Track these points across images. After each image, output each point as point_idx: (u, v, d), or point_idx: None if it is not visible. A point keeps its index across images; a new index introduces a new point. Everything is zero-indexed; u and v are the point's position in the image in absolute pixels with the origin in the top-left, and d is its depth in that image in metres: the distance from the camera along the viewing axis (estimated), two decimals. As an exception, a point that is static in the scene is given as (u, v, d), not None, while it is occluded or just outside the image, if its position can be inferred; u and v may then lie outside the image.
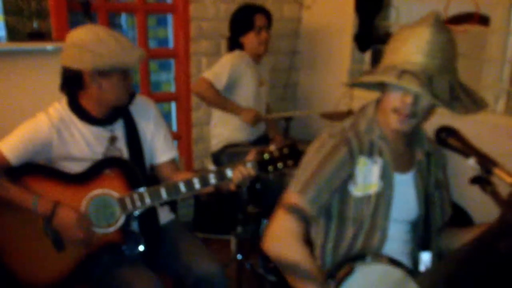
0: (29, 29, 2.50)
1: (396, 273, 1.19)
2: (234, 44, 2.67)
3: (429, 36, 1.14)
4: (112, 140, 1.67)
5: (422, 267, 1.24)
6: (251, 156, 1.61)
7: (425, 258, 1.26)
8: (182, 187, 1.59)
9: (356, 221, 1.27)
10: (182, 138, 3.22)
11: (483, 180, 1.08)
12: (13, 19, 2.46)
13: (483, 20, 2.40)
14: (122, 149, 1.69)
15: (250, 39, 2.62)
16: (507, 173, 1.06)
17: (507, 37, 2.41)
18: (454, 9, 2.42)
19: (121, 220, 1.60)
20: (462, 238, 1.33)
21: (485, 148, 1.16)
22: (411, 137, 1.32)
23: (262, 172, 1.59)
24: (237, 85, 2.60)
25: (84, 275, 1.61)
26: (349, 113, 2.58)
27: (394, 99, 1.20)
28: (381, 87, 1.27)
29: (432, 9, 2.83)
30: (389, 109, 1.22)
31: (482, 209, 1.86)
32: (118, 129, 1.69)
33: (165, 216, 1.82)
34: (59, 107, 1.64)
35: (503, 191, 1.06)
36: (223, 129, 2.68)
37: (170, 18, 3.16)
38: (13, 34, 2.45)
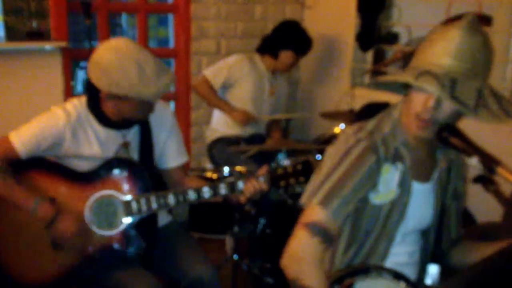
0: (29, 28, 2.50)
1: None
2: (271, 48, 2.72)
3: (458, 38, 1.07)
4: (125, 145, 1.65)
5: (429, 280, 1.20)
6: (264, 170, 1.58)
7: (433, 271, 1.14)
8: (191, 195, 1.57)
9: (369, 229, 1.22)
10: (181, 138, 3.21)
11: (486, 179, 1.06)
12: (12, 19, 2.46)
13: (486, 20, 2.38)
14: (133, 154, 1.67)
15: (287, 56, 2.69)
16: (510, 172, 1.03)
17: (509, 37, 2.40)
18: (457, 9, 2.41)
19: (125, 223, 1.57)
20: (478, 252, 1.26)
21: (488, 148, 1.14)
22: (435, 144, 1.23)
23: (274, 187, 1.58)
24: (234, 86, 2.66)
25: (81, 276, 1.58)
26: (351, 112, 2.56)
27: (416, 103, 1.13)
28: (406, 88, 1.20)
29: (435, 9, 2.82)
30: (412, 114, 1.15)
31: (485, 208, 1.85)
32: (133, 135, 1.67)
33: (163, 217, 1.80)
34: (78, 104, 1.60)
35: (506, 190, 1.04)
36: (219, 124, 2.74)
37: (170, 18, 3.15)
38: (12, 33, 2.46)
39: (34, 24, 2.51)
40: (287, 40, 2.69)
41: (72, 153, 1.58)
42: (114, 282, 1.54)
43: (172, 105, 3.27)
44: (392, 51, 3.00)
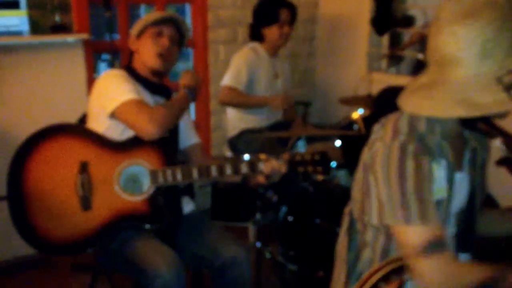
0: (52, 22, 2.55)
1: None
2: (256, 33, 2.69)
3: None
4: None
5: None
6: (286, 155, 1.64)
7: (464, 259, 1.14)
8: (214, 171, 1.62)
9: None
10: (201, 126, 3.25)
11: (510, 162, 1.05)
12: (36, 13, 2.51)
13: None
14: None
15: (272, 32, 2.63)
16: None
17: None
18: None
19: (150, 190, 1.62)
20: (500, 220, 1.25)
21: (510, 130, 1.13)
22: (465, 129, 1.17)
23: (291, 171, 1.61)
24: (254, 80, 2.63)
25: (102, 242, 1.63)
26: (369, 97, 2.58)
27: None
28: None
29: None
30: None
31: (509, 193, 1.85)
32: (160, 102, 1.75)
33: (186, 206, 1.85)
34: (118, 71, 1.77)
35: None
36: (239, 115, 2.71)
37: (187, 8, 3.18)
38: (36, 27, 2.51)
39: (57, 17, 2.56)
40: (260, 18, 2.65)
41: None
42: (135, 254, 1.57)
43: (191, 93, 3.31)
44: (408, 34, 2.98)
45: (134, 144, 1.64)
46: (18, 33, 2.50)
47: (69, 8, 2.57)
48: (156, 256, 1.54)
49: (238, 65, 2.59)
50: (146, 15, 1.79)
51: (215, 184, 2.84)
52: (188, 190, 1.90)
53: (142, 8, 3.48)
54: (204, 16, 3.08)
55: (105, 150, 1.65)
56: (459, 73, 0.98)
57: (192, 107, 3.31)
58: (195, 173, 1.62)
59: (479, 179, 1.24)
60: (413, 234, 1.04)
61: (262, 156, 1.65)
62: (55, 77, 2.63)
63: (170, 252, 1.57)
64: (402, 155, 1.06)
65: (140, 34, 1.76)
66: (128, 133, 1.66)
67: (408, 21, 2.89)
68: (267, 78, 2.69)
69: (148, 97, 1.73)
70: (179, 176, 1.62)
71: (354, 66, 3.20)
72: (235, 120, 2.74)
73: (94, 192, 1.61)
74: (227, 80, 2.59)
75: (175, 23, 1.77)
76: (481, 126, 1.09)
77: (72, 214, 1.61)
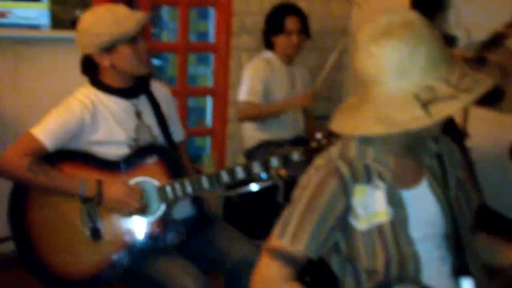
0: (73, 17, 2.51)
1: None
2: (267, 41, 2.62)
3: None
4: (138, 115, 1.65)
5: None
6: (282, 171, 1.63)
7: (467, 285, 1.11)
8: (224, 176, 1.57)
9: (370, 257, 1.11)
10: (216, 133, 3.16)
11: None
12: (57, 8, 2.49)
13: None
14: (151, 126, 1.66)
15: (280, 41, 2.55)
16: None
17: None
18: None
19: (161, 209, 1.56)
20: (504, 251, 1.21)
21: None
22: (416, 143, 1.15)
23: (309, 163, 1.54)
24: (270, 91, 2.54)
25: (122, 269, 1.56)
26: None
27: None
28: None
29: (498, 9, 2.64)
30: None
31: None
32: (142, 104, 1.67)
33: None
34: (84, 90, 1.64)
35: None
36: (258, 125, 2.60)
37: (211, 12, 3.11)
38: (56, 21, 2.48)
39: (78, 13, 2.51)
40: (268, 26, 2.57)
41: (96, 138, 1.58)
42: (157, 273, 1.52)
43: (209, 100, 3.23)
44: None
45: (134, 162, 1.58)
46: (37, 26, 2.49)
47: (90, 4, 2.52)
48: (179, 271, 1.49)
49: (250, 77, 2.51)
50: (106, 21, 1.53)
51: (229, 197, 2.73)
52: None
53: (165, 9, 3.45)
54: (229, 21, 3.00)
55: (106, 173, 1.57)
56: (379, 92, 1.01)
57: (209, 113, 3.22)
58: (205, 182, 1.57)
59: (461, 194, 1.20)
60: (277, 241, 1.12)
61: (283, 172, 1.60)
62: (72, 73, 2.52)
63: (189, 264, 1.53)
64: (310, 177, 1.13)
65: (111, 48, 1.54)
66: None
67: (450, 41, 2.76)
68: (284, 88, 2.59)
69: (122, 106, 1.63)
70: (189, 189, 1.56)
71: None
72: (253, 130, 2.63)
73: (103, 220, 1.55)
74: (241, 95, 2.51)
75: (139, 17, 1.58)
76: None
77: (82, 246, 1.55)
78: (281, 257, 1.10)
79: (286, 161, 1.63)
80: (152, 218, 1.56)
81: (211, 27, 3.12)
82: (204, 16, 3.32)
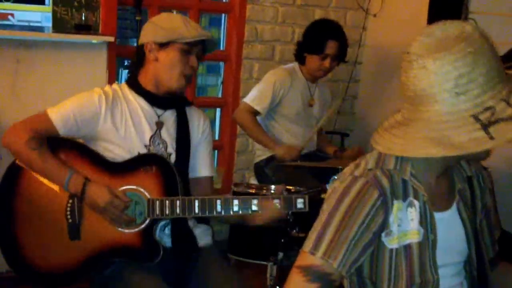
0: (77, 20, 2.44)
1: None
2: (298, 54, 2.53)
3: None
4: (158, 125, 1.61)
5: None
6: (279, 189, 1.63)
7: None
8: (218, 206, 1.49)
9: (393, 279, 1.05)
10: (224, 148, 3.03)
11: None
12: (61, 10, 2.42)
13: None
14: (168, 143, 1.61)
15: (313, 61, 2.46)
16: None
17: None
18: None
19: (146, 223, 1.50)
20: None
21: None
22: (448, 165, 1.12)
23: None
24: (280, 104, 2.46)
25: (93, 271, 1.54)
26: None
27: None
28: None
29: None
30: None
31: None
32: (168, 118, 1.63)
33: (202, 237, 1.66)
34: (115, 85, 1.64)
35: None
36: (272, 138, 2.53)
37: (223, 19, 3.00)
38: (59, 25, 2.41)
39: (83, 16, 2.44)
40: (305, 42, 2.47)
41: (107, 134, 1.55)
42: (125, 284, 1.47)
43: (218, 112, 3.11)
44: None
45: (133, 167, 1.53)
46: (40, 29, 2.46)
47: (96, 8, 2.45)
48: None
49: (266, 85, 2.45)
50: (175, 21, 1.59)
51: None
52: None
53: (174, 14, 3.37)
54: (241, 29, 2.89)
55: (101, 171, 1.52)
56: (432, 110, 0.95)
57: (217, 126, 3.09)
58: (196, 206, 1.48)
59: (484, 221, 1.18)
60: (310, 257, 1.01)
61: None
62: (74, 77, 2.53)
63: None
64: (349, 186, 1.03)
65: (165, 44, 1.56)
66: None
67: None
68: (300, 103, 2.52)
69: (145, 110, 1.60)
70: (177, 210, 1.48)
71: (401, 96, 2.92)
72: None
73: (85, 219, 1.50)
74: (248, 98, 2.45)
75: (205, 41, 1.62)
76: None
77: (59, 242, 1.51)
78: (312, 275, 1.00)
79: (288, 204, 1.54)
80: (132, 230, 1.49)
81: (222, 35, 3.01)
82: (216, 23, 3.21)
